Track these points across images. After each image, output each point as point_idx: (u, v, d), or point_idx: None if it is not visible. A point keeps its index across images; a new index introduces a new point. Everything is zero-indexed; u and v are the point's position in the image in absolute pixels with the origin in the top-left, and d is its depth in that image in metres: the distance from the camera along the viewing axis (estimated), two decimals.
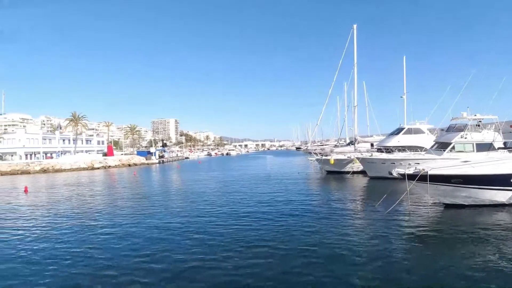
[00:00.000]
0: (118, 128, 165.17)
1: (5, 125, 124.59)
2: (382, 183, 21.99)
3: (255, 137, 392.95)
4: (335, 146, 52.73)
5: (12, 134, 68.77)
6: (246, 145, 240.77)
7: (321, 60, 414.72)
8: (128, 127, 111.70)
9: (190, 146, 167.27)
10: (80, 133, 78.14)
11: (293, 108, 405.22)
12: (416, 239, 10.70)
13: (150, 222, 13.92)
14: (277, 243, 10.26)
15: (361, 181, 27.22)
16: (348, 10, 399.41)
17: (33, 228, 13.41)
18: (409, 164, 21.30)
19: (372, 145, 39.92)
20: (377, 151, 31.60)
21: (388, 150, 30.38)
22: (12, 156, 62.03)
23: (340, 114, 63.85)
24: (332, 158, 32.61)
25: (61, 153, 69.28)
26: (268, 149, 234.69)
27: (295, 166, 48.76)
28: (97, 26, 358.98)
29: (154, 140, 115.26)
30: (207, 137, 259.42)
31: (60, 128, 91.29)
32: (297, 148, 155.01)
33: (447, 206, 14.54)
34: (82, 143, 78.88)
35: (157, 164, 70.89)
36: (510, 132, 29.57)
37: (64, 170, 52.86)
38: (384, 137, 37.60)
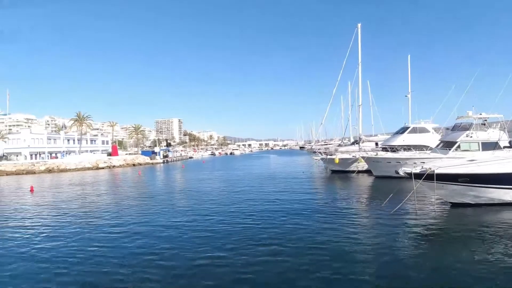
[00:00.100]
0: (122, 128, 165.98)
1: (10, 126, 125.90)
2: (388, 182, 21.95)
3: (258, 136, 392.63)
4: (339, 145, 52.65)
5: (17, 134, 69.38)
6: (249, 145, 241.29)
7: (321, 60, 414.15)
8: (133, 127, 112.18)
9: (193, 145, 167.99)
10: (85, 133, 78.65)
11: (297, 107, 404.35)
12: (423, 238, 10.74)
13: (157, 221, 14.04)
14: (285, 241, 10.33)
15: (367, 180, 27.19)
16: (348, 10, 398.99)
17: (41, 228, 13.56)
18: (415, 163, 21.32)
19: (376, 144, 39.84)
20: (382, 150, 31.56)
21: (394, 149, 30.35)
22: (17, 156, 62.51)
23: (344, 113, 63.80)
24: (337, 157, 32.59)
25: (66, 153, 69.73)
26: (272, 148, 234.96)
27: (299, 166, 48.75)
28: (97, 26, 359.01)
29: (158, 140, 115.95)
30: (211, 137, 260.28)
31: (65, 128, 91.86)
32: (301, 147, 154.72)
33: (454, 205, 14.53)
34: (87, 143, 79.43)
35: (162, 164, 71.26)
36: None
37: (69, 170, 53.23)
38: (388, 136, 37.53)
